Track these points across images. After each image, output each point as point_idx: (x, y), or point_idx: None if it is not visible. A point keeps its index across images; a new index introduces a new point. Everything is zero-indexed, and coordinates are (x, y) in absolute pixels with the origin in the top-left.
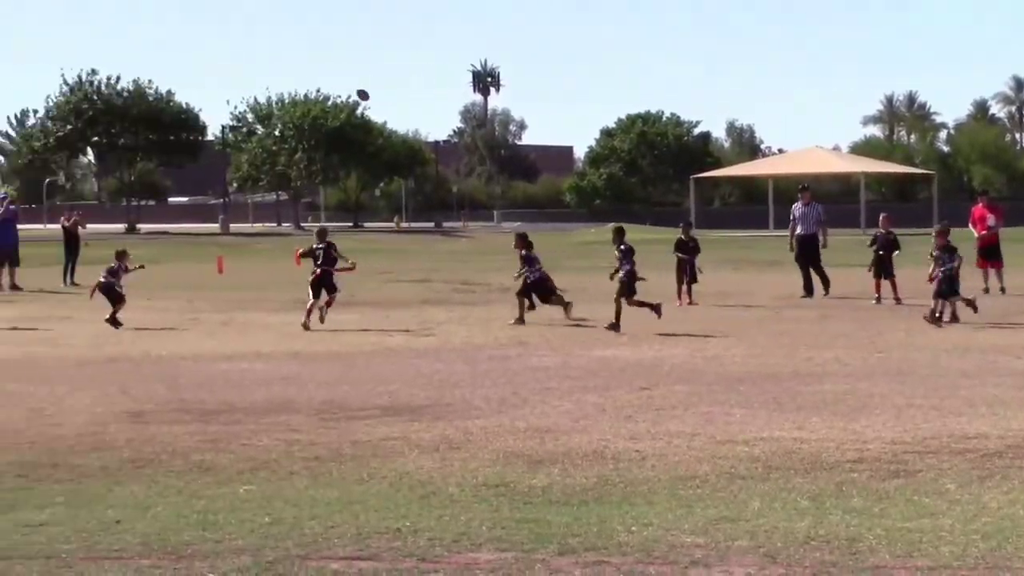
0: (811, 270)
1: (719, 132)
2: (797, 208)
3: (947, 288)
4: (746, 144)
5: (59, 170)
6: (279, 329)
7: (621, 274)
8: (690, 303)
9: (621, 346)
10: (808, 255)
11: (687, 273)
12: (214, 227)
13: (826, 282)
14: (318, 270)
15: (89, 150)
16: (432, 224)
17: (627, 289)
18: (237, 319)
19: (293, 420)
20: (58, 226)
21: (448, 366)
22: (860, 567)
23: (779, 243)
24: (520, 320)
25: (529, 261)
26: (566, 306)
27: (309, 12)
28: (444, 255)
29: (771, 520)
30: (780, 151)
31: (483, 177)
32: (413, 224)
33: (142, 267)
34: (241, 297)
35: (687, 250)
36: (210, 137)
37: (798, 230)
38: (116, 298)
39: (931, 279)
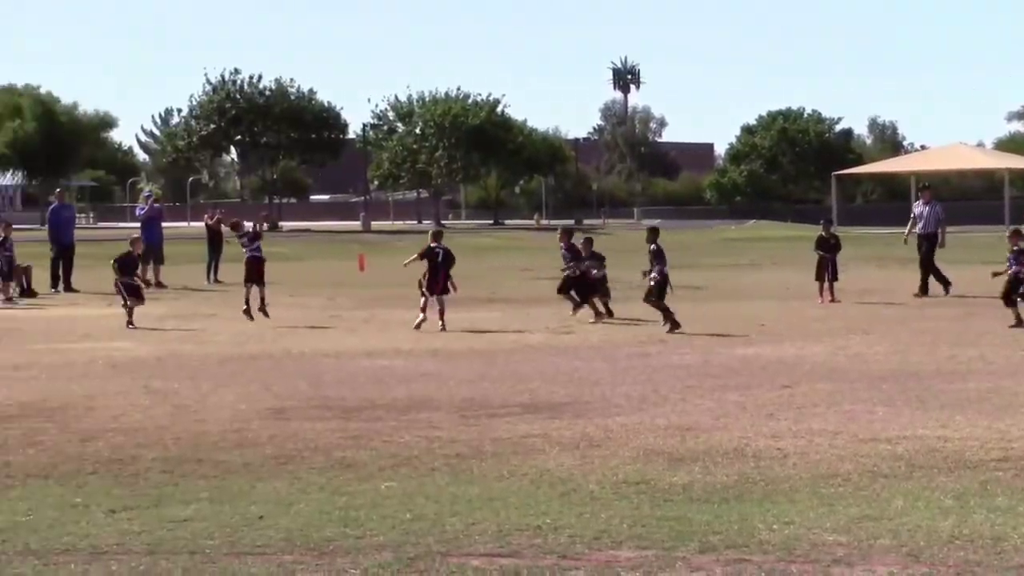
0: (927, 269)
1: (861, 129)
2: (917, 207)
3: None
4: (888, 140)
5: (202, 168)
6: (410, 327)
7: (654, 273)
8: (832, 300)
9: (762, 344)
10: (926, 254)
11: (828, 270)
12: (355, 225)
13: (944, 282)
14: (439, 271)
15: (232, 148)
16: (572, 221)
17: (658, 291)
18: (378, 316)
19: (434, 417)
20: (201, 224)
21: (588, 364)
22: (1005, 566)
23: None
24: (577, 309)
25: (580, 257)
26: (596, 310)
27: (450, 10)
28: None
29: (914, 519)
30: (923, 147)
31: (623, 174)
32: (553, 221)
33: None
34: (382, 294)
35: (828, 247)
36: (351, 135)
37: (917, 228)
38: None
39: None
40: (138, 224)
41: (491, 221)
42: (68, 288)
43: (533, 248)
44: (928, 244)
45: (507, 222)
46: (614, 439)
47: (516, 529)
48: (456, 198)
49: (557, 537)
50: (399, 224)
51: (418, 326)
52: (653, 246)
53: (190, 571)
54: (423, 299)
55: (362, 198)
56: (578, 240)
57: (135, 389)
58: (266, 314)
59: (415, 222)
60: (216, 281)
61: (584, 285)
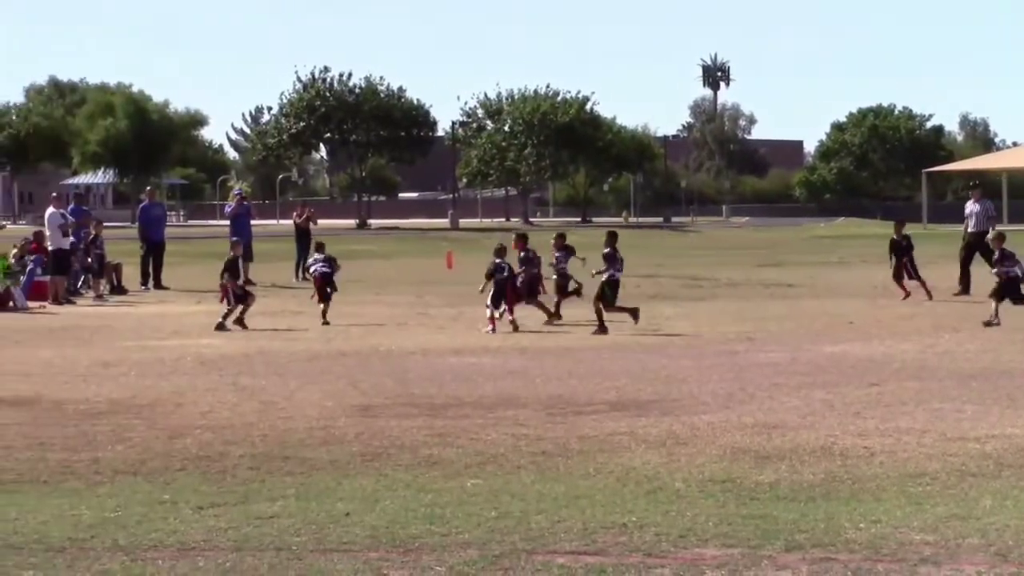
0: (968, 267)
1: (952, 126)
2: (968, 205)
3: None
4: (980, 137)
5: (292, 166)
6: (507, 323)
7: (604, 276)
8: (906, 296)
9: (851, 342)
10: (971, 252)
11: (908, 269)
12: (443, 222)
13: (965, 284)
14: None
15: (321, 146)
16: (661, 219)
17: (610, 293)
18: (466, 314)
19: (521, 415)
20: (290, 222)
21: (674, 361)
22: None
23: (1013, 237)
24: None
25: (527, 262)
26: (549, 314)
27: (541, 8)
28: (672, 250)
29: (1003, 518)
30: (1014, 144)
31: (712, 172)
32: (641, 219)
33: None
34: (470, 292)
35: (900, 250)
36: (440, 133)
37: (970, 227)
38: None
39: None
40: (227, 222)
41: (579, 219)
42: (158, 285)
43: (622, 246)
44: (976, 241)
45: (595, 219)
46: (700, 437)
47: (601, 527)
48: (544, 195)
49: (642, 535)
50: (487, 222)
51: (493, 329)
52: (607, 249)
53: (276, 568)
54: (490, 310)
55: (451, 195)
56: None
57: (223, 386)
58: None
59: (503, 219)
60: (305, 279)
61: (528, 286)
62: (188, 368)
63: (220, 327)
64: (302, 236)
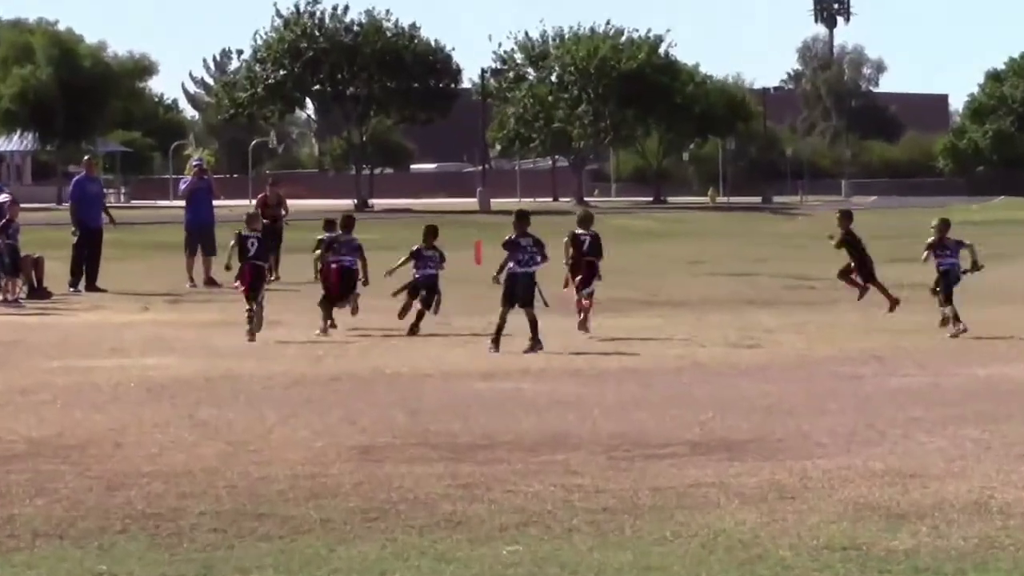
0: None
1: None
2: None
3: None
4: None
5: (269, 128)
6: (558, 337)
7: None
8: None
9: (1012, 362)
10: None
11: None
12: (471, 202)
13: None
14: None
15: (308, 102)
16: (759, 198)
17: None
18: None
19: (573, 459)
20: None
21: (779, 387)
22: None
23: None
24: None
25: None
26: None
27: None
28: (774, 239)
29: None
30: None
31: (827, 136)
32: (733, 199)
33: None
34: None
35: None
36: (466, 84)
37: None
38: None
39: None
40: (182, 202)
41: (650, 198)
42: (92, 286)
43: (706, 233)
44: None
45: (671, 199)
46: (813, 489)
47: None
48: (604, 168)
49: None
50: (528, 202)
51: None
52: (511, 237)
53: None
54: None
55: (479, 168)
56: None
57: (177, 420)
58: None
59: (549, 199)
60: (277, 278)
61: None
62: (131, 397)
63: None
64: (267, 234)
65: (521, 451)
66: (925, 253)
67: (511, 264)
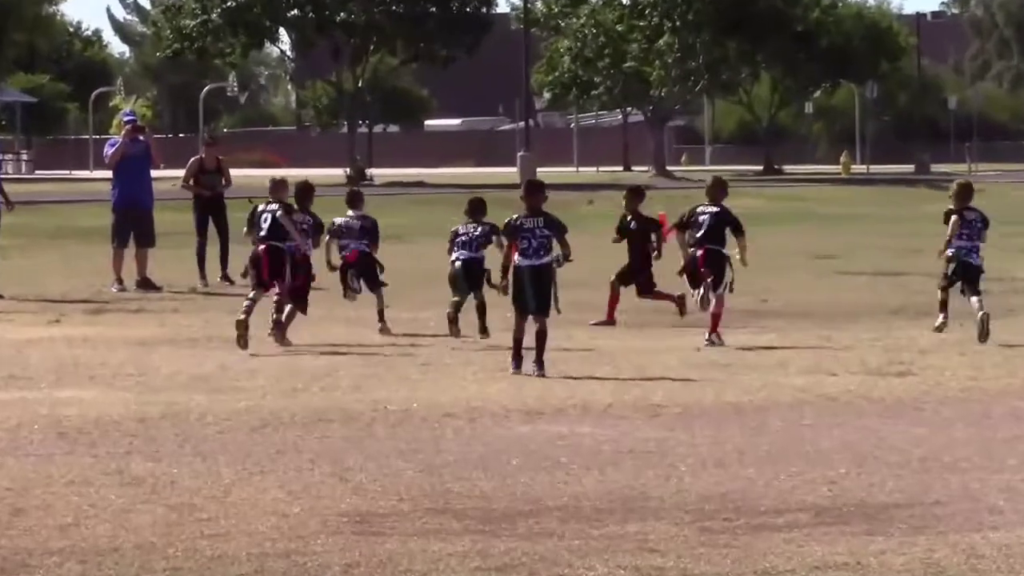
0: None
1: None
2: None
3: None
4: None
5: (228, 70)
6: (630, 357)
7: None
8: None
9: None
10: None
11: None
12: (508, 173)
13: None
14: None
15: (282, 33)
16: (910, 167)
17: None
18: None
19: (651, 531)
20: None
21: (937, 432)
22: None
23: None
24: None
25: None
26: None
27: None
28: (931, 225)
29: None
30: None
31: (1006, 79)
32: (874, 168)
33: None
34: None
35: (628, 231)
36: (503, 8)
37: None
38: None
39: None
40: (108, 173)
41: (759, 167)
42: None
43: (836, 217)
44: None
45: (789, 168)
46: (985, 572)
47: None
48: (695, 125)
49: None
50: (588, 172)
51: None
52: (468, 226)
53: None
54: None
55: (519, 124)
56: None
57: (101, 476)
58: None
59: (618, 168)
60: (224, 278)
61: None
62: (37, 444)
63: (280, 336)
64: (208, 209)
65: (578, 520)
66: None
67: (515, 256)
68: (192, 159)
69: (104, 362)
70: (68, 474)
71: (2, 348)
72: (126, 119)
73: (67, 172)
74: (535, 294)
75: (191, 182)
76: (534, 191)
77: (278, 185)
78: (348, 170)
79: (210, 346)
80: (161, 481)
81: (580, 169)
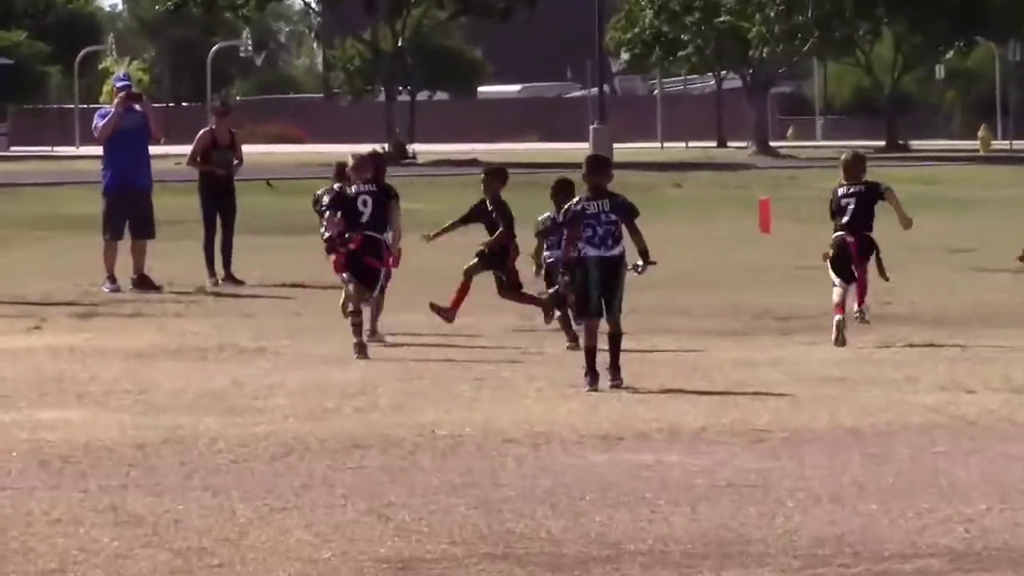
0: None
1: None
2: None
3: None
4: None
5: (241, 25)
6: (726, 372)
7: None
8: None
9: None
10: None
11: None
12: (579, 149)
13: None
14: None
15: None
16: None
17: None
18: (636, 350)
19: None
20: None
21: None
22: None
23: None
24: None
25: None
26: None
27: None
28: None
29: None
30: None
31: None
32: (1018, 144)
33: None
34: (645, 300)
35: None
36: None
37: None
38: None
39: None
40: (99, 149)
41: (881, 142)
42: None
43: (976, 202)
44: None
45: (916, 144)
46: None
47: None
48: (803, 90)
49: None
50: (675, 149)
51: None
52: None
53: None
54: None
55: (592, 91)
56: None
57: (92, 514)
58: None
59: (711, 144)
60: (229, 278)
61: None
62: (15, 475)
63: (361, 349)
64: (212, 189)
65: (665, 567)
66: None
67: (580, 246)
68: (202, 131)
69: (94, 376)
70: (52, 511)
71: None
72: (119, 85)
73: (48, 148)
74: (604, 291)
75: (199, 159)
76: (598, 169)
77: (364, 163)
78: (385, 146)
79: (221, 357)
80: (163, 520)
81: (665, 145)
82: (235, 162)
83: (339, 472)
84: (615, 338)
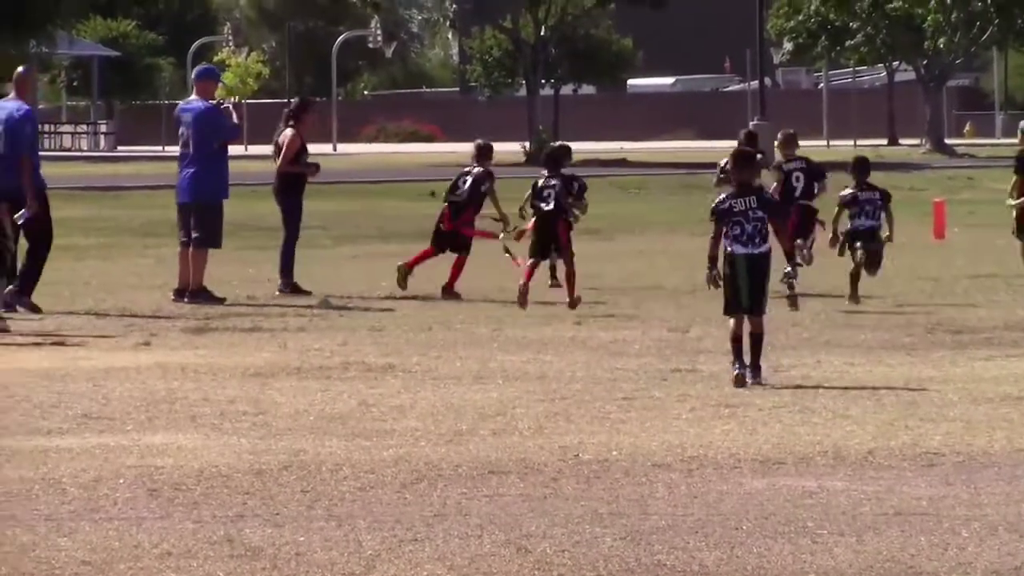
0: None
1: None
2: None
3: None
4: None
5: (371, 14)
6: (893, 392)
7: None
8: None
9: None
10: None
11: None
12: (722, 149)
13: None
14: None
15: None
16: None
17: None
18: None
19: None
20: (357, 147)
21: None
22: None
23: None
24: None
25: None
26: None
27: None
28: None
29: None
30: None
31: None
32: None
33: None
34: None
35: None
36: None
37: None
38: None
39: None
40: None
41: None
42: (21, 298)
43: None
44: None
45: None
46: None
47: None
48: (982, 84)
49: None
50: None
51: None
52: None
53: None
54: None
55: (752, 84)
56: None
57: (206, 547)
58: None
59: (882, 142)
60: (288, 286)
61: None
62: (121, 504)
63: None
64: (291, 186)
65: None
66: None
67: (727, 244)
68: (290, 133)
69: (208, 397)
70: (162, 543)
71: (76, 379)
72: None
73: (159, 149)
74: (751, 289)
75: (293, 162)
76: (744, 164)
77: (562, 152)
78: (527, 144)
79: (347, 376)
80: (283, 553)
81: (832, 143)
82: (313, 169)
83: (474, 500)
84: (757, 338)
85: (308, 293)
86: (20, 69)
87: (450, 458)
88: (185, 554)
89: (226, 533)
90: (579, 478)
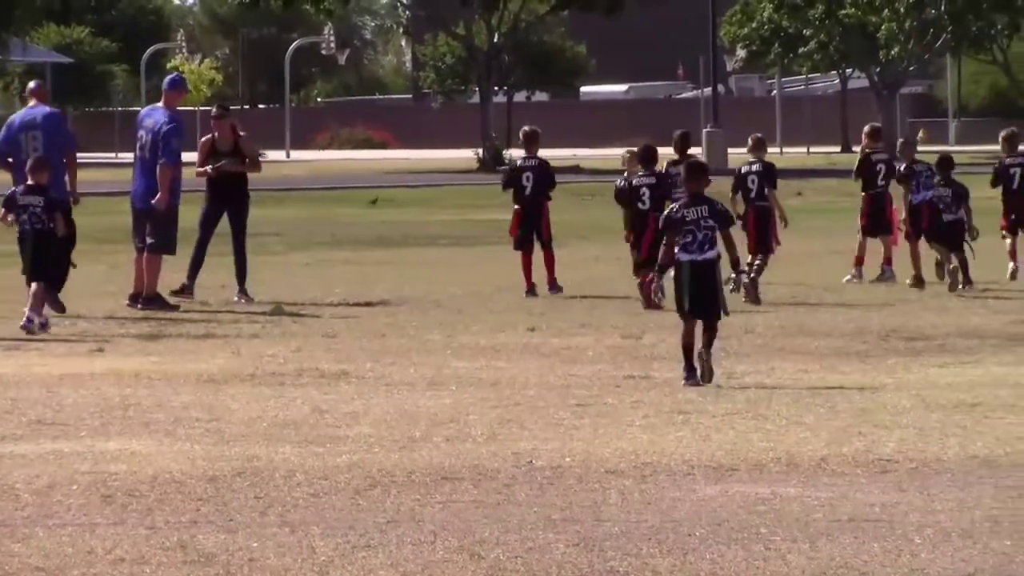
0: None
1: None
2: None
3: None
4: None
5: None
6: (845, 399)
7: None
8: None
9: None
10: None
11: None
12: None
13: None
14: None
15: None
16: None
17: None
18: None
19: None
20: (311, 153)
21: None
22: None
23: None
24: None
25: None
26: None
27: None
28: None
29: None
30: None
31: None
32: None
33: None
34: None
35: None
36: None
37: None
38: None
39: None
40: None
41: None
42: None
43: None
44: None
45: None
46: None
47: None
48: (935, 91)
49: None
50: (795, 154)
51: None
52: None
53: None
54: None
55: (705, 91)
56: None
57: (159, 552)
58: None
59: (835, 149)
60: (241, 293)
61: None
62: (75, 510)
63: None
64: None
65: None
66: None
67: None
68: (204, 139)
69: (162, 404)
70: (116, 549)
71: (30, 385)
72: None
73: (112, 155)
74: (699, 296)
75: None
76: (696, 174)
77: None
78: (480, 151)
79: (301, 383)
80: (236, 559)
81: (785, 150)
82: (244, 162)
83: (428, 507)
84: (711, 334)
85: (176, 308)
86: (32, 84)
87: (403, 464)
88: (138, 560)
89: (179, 539)
90: (532, 484)
